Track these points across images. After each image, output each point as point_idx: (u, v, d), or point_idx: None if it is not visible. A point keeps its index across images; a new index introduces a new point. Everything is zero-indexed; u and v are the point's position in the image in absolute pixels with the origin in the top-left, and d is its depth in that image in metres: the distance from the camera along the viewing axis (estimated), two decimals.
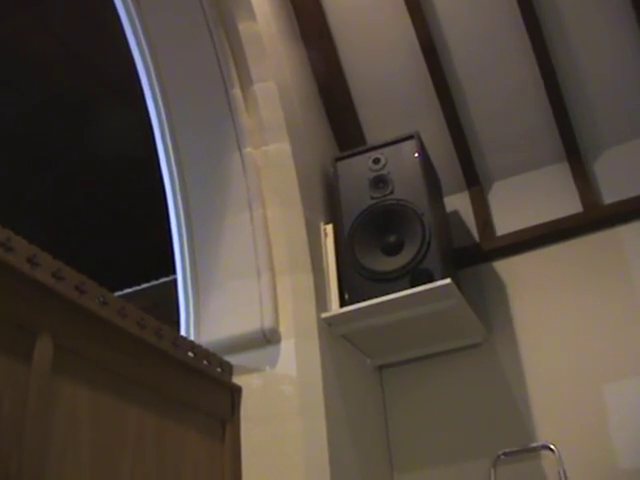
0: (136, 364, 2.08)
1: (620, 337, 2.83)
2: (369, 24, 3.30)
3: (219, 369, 2.47)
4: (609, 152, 3.19)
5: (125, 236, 4.88)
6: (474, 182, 3.31)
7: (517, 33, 3.10)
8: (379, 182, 2.89)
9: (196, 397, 2.32)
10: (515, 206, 3.22)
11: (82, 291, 1.89)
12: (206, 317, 2.63)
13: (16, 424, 1.62)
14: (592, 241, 3.04)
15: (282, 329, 2.54)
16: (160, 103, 2.84)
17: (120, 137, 4.31)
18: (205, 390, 2.38)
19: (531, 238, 3.11)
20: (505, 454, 2.77)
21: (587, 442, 2.71)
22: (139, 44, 2.85)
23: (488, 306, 3.08)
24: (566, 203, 3.11)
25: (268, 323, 2.51)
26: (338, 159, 3.03)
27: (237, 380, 2.51)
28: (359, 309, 2.69)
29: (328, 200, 3.02)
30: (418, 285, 2.65)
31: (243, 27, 2.85)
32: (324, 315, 2.67)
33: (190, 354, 2.33)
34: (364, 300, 2.69)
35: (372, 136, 3.35)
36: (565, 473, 2.64)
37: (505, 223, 3.19)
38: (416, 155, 2.89)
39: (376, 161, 2.93)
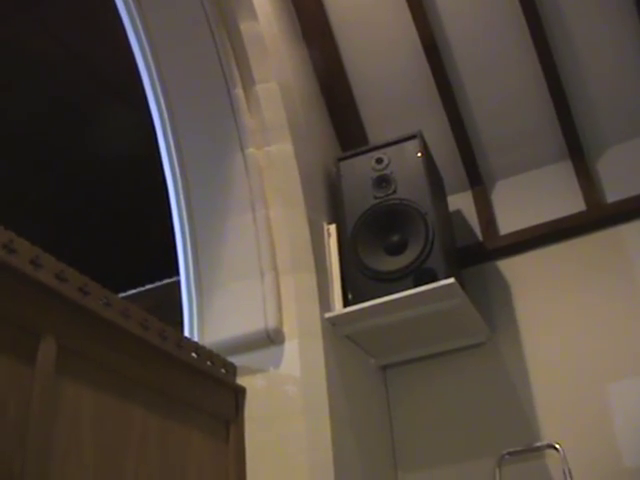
0: (140, 365, 2.07)
1: (624, 336, 2.82)
2: (370, 23, 3.30)
3: (223, 370, 2.47)
4: (612, 150, 3.18)
5: (128, 237, 4.87)
6: (477, 181, 3.31)
7: (519, 31, 3.10)
8: (382, 182, 2.88)
9: (200, 398, 2.32)
10: (518, 205, 3.22)
11: (85, 292, 1.89)
12: (210, 318, 2.63)
13: (20, 425, 1.62)
14: (595, 240, 3.03)
15: (286, 329, 2.54)
16: (162, 104, 2.84)
17: (121, 137, 4.30)
18: (209, 391, 2.38)
19: (534, 237, 3.11)
20: (509, 453, 2.77)
21: (592, 441, 2.71)
22: (141, 45, 2.85)
23: (492, 305, 3.07)
24: (569, 202, 3.11)
25: (272, 323, 2.51)
26: (341, 159, 3.02)
27: (241, 381, 2.51)
28: (363, 309, 2.69)
29: (331, 200, 3.02)
30: (422, 285, 2.64)
31: (245, 27, 2.85)
32: (328, 315, 2.66)
33: (194, 355, 2.33)
34: (368, 300, 2.69)
35: (374, 135, 3.35)
36: (570, 472, 2.63)
37: (508, 222, 3.19)
38: (419, 154, 2.89)
39: (379, 161, 2.92)
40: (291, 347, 2.52)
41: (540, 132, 3.24)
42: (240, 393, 2.48)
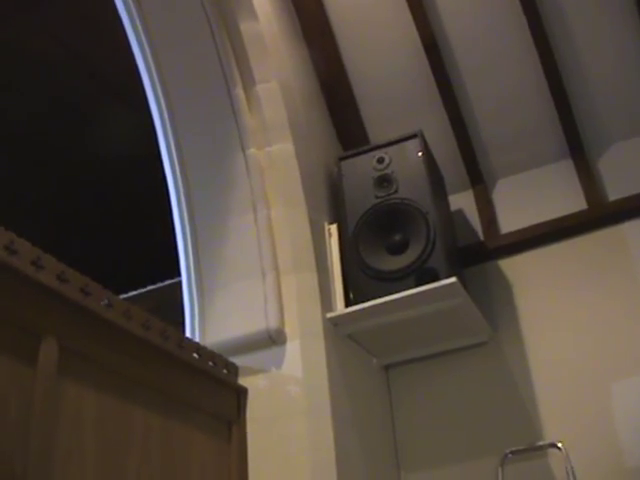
0: (141, 366, 2.07)
1: (626, 335, 2.81)
2: (370, 22, 3.29)
3: (225, 370, 2.46)
4: (613, 148, 3.17)
5: (129, 238, 4.87)
6: (478, 180, 3.30)
7: (519, 29, 3.09)
8: (383, 181, 2.88)
9: (202, 398, 2.31)
10: (519, 204, 3.21)
11: (87, 293, 1.89)
12: (211, 318, 2.63)
13: (22, 426, 1.62)
14: (597, 238, 3.03)
15: (287, 330, 2.54)
16: (162, 104, 2.84)
17: (121, 137, 4.30)
18: (211, 391, 2.37)
19: (536, 236, 3.10)
20: (512, 453, 2.76)
21: (594, 440, 2.70)
22: (141, 45, 2.85)
23: (493, 304, 3.07)
24: (571, 200, 3.10)
25: (273, 324, 2.51)
26: (342, 158, 3.02)
27: (243, 381, 2.50)
28: (364, 309, 2.69)
29: (332, 200, 3.01)
30: (423, 284, 2.64)
31: (245, 27, 2.84)
32: (329, 315, 2.66)
33: (195, 355, 2.32)
34: (369, 300, 2.68)
35: (375, 134, 3.34)
36: (573, 471, 2.63)
37: (510, 221, 3.18)
38: (420, 154, 2.88)
39: (380, 160, 2.92)
40: (293, 347, 2.51)
41: (541, 130, 3.24)
42: (242, 393, 2.48)
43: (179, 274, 2.77)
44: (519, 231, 3.14)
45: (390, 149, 2.93)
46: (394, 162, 2.90)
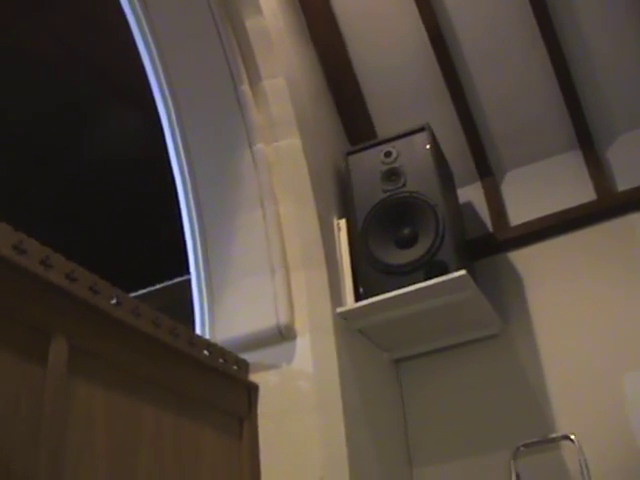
0: (151, 363, 2.07)
1: (637, 325, 2.80)
2: (376, 15, 3.28)
3: (235, 367, 2.46)
4: (622, 139, 3.16)
5: (137, 237, 4.87)
6: (486, 172, 3.29)
7: (526, 20, 3.08)
8: (391, 175, 2.87)
9: (213, 395, 2.32)
10: (528, 196, 3.20)
11: (96, 291, 1.89)
12: (221, 315, 2.63)
13: (32, 425, 1.63)
14: (607, 229, 3.01)
15: (297, 325, 2.53)
16: (169, 101, 2.84)
17: (125, 137, 4.30)
18: (222, 388, 2.37)
19: (545, 227, 3.09)
20: (525, 445, 2.75)
21: (607, 432, 2.69)
22: (147, 44, 2.85)
23: (503, 297, 3.06)
24: (580, 191, 3.09)
25: (283, 319, 2.50)
26: (349, 153, 3.01)
27: (253, 377, 2.50)
28: (374, 303, 2.68)
29: (340, 195, 3.01)
30: (433, 277, 2.64)
31: (250, 23, 2.84)
32: (339, 310, 2.66)
33: (206, 352, 2.32)
34: (379, 294, 2.68)
35: (382, 128, 3.33)
36: (586, 463, 2.61)
37: (519, 213, 3.17)
38: (428, 147, 2.87)
39: (388, 154, 2.91)
40: (303, 343, 2.51)
41: (549, 122, 3.22)
42: (253, 390, 2.48)
43: (188, 272, 2.77)
44: (528, 223, 3.12)
45: (398, 143, 2.93)
46: (402, 156, 2.89)
